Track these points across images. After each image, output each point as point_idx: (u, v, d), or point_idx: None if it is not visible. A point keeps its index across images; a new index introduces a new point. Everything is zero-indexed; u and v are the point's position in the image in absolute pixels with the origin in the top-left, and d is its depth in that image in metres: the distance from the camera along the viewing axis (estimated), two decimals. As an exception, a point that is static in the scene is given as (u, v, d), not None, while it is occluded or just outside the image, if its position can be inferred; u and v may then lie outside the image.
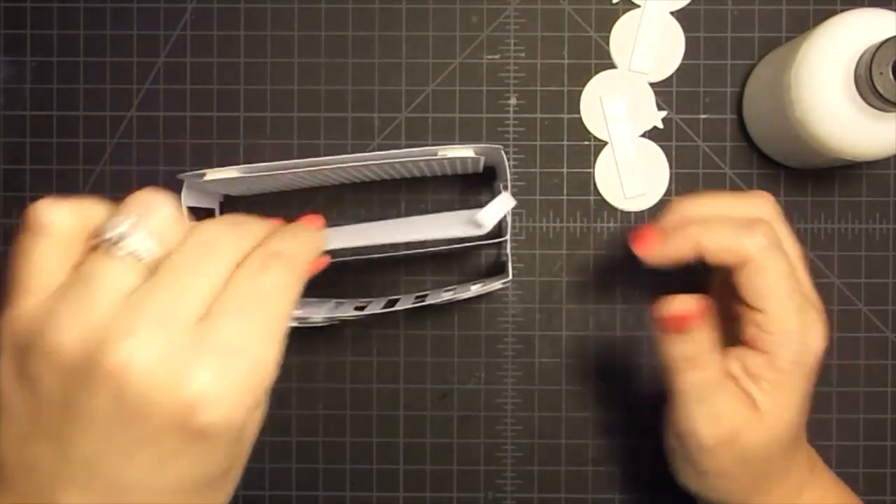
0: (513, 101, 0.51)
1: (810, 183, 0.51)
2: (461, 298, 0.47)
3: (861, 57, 0.41)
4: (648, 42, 0.51)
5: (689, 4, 0.51)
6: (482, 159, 0.47)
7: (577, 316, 0.51)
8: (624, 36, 0.51)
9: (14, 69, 0.52)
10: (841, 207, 0.51)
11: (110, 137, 0.52)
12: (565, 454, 0.51)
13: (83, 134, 0.52)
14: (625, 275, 0.51)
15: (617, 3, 0.51)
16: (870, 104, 0.41)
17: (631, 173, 0.51)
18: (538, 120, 0.51)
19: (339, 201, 0.51)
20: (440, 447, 0.51)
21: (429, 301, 0.47)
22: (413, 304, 0.47)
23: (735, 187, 0.51)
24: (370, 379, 0.51)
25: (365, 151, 0.47)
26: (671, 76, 0.51)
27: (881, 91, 0.40)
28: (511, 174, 0.51)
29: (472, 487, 0.51)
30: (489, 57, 0.51)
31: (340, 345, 0.51)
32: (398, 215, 0.51)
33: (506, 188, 0.45)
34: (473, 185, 0.51)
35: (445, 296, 0.47)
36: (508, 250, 0.47)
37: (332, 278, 0.51)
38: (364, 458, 0.51)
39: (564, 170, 0.51)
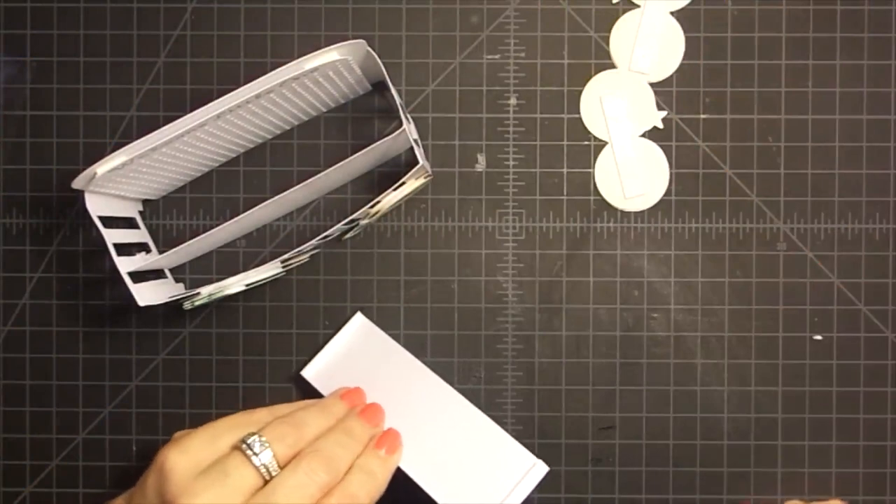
0: (513, 101, 0.51)
1: (810, 183, 0.51)
2: (392, 204, 0.48)
3: None
4: (648, 42, 0.51)
5: (689, 4, 0.51)
6: (362, 74, 0.48)
7: (577, 316, 0.51)
8: (624, 36, 0.51)
9: (14, 69, 0.52)
10: (841, 207, 0.51)
11: (110, 137, 0.52)
12: (565, 454, 0.51)
13: (83, 134, 0.52)
14: (625, 275, 0.51)
15: (617, 3, 0.51)
16: None
17: (631, 173, 0.51)
18: (538, 120, 0.51)
19: (261, 174, 0.51)
20: (440, 447, 0.51)
21: (360, 220, 0.48)
22: (347, 226, 0.48)
23: (735, 187, 0.51)
24: (370, 379, 0.51)
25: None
26: (671, 76, 0.51)
27: None
28: (512, 174, 0.51)
29: (472, 487, 0.51)
30: (489, 57, 0.51)
31: (340, 345, 0.51)
32: (320, 165, 0.51)
33: (398, 95, 0.46)
34: (370, 108, 0.52)
35: (373, 211, 0.48)
36: (411, 137, 0.47)
37: (262, 236, 0.51)
38: (364, 458, 0.51)
39: (564, 170, 0.51)
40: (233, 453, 0.42)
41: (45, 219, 0.52)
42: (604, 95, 0.51)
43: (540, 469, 0.47)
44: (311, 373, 0.50)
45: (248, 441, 0.42)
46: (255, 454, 0.41)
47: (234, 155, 0.51)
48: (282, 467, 0.42)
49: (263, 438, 0.42)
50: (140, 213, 0.51)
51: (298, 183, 0.47)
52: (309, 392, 0.50)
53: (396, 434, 0.48)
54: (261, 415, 0.45)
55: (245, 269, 0.49)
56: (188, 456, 0.42)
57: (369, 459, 0.45)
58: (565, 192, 0.51)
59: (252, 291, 0.49)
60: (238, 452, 0.42)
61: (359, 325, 0.50)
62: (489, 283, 0.51)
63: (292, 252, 0.48)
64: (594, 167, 0.51)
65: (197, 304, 0.46)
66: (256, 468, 0.41)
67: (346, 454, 0.44)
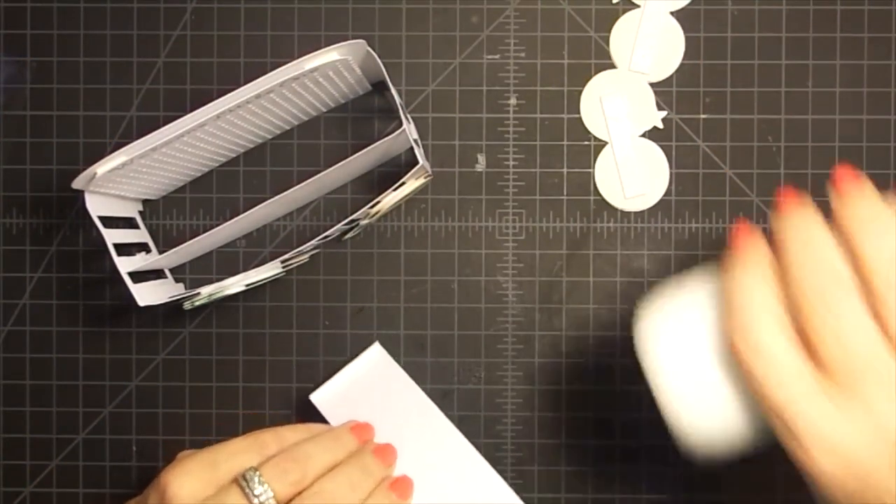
0: (513, 101, 0.51)
1: (810, 183, 0.51)
2: (392, 204, 0.48)
3: None
4: (648, 42, 0.51)
5: (689, 4, 0.51)
6: (362, 74, 0.48)
7: (577, 316, 0.51)
8: (624, 36, 0.51)
9: (14, 69, 0.52)
10: (841, 207, 0.51)
11: (110, 137, 0.52)
12: (565, 454, 0.51)
13: (83, 134, 0.52)
14: (625, 275, 0.51)
15: (617, 3, 0.51)
16: None
17: (631, 173, 0.51)
18: (538, 120, 0.51)
19: (261, 174, 0.51)
20: (440, 447, 0.51)
21: (360, 220, 0.48)
22: (347, 226, 0.48)
23: (735, 187, 0.51)
24: (370, 379, 0.51)
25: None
26: (671, 76, 0.51)
27: None
28: (512, 174, 0.51)
29: (472, 487, 0.51)
30: (489, 57, 0.51)
31: (341, 345, 0.51)
32: (320, 165, 0.51)
33: (399, 95, 0.46)
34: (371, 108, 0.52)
35: (373, 211, 0.48)
36: (411, 137, 0.47)
37: (262, 236, 0.51)
38: (364, 458, 0.51)
39: (564, 170, 0.51)
40: (231, 489, 0.41)
41: (45, 219, 0.52)
42: (604, 95, 0.51)
43: None
44: (321, 398, 0.49)
45: (248, 477, 0.41)
46: (253, 494, 0.40)
47: (234, 155, 0.51)
48: None
49: (263, 477, 0.41)
50: (140, 213, 0.51)
51: (298, 183, 0.47)
52: (310, 389, 0.50)
53: (410, 482, 0.46)
54: (266, 438, 0.43)
55: (245, 269, 0.49)
56: (190, 481, 0.41)
57: (381, 500, 0.44)
58: (565, 192, 0.51)
59: (252, 291, 0.49)
60: (236, 489, 0.40)
61: (376, 357, 0.49)
62: (489, 283, 0.51)
63: (292, 252, 0.48)
64: (594, 167, 0.51)
65: (197, 304, 0.46)
66: None
67: (354, 496, 0.42)
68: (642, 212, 0.51)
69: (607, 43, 0.51)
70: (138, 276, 0.46)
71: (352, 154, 0.47)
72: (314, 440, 0.44)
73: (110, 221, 0.47)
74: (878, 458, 0.30)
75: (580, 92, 0.51)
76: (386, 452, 0.46)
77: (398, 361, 0.51)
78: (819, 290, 0.31)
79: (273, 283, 0.50)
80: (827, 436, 0.31)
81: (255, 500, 0.40)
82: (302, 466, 0.42)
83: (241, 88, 0.44)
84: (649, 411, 0.51)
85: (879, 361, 0.30)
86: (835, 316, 0.31)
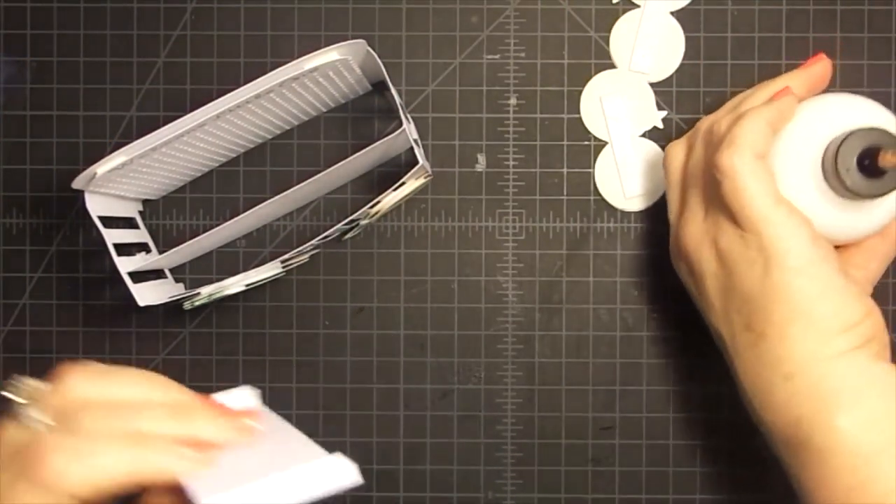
0: (513, 101, 0.51)
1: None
2: (392, 204, 0.48)
3: (826, 151, 0.41)
4: (648, 42, 0.51)
5: (689, 4, 0.51)
6: (362, 74, 0.48)
7: (577, 316, 0.51)
8: (624, 36, 0.51)
9: (14, 69, 0.52)
10: (841, 207, 0.51)
11: (110, 137, 0.52)
12: (565, 454, 0.51)
13: (83, 134, 0.52)
14: (625, 275, 0.51)
15: (617, 3, 0.51)
16: (840, 196, 0.42)
17: (631, 173, 0.51)
18: (538, 120, 0.51)
19: (261, 174, 0.51)
20: (440, 447, 0.51)
21: (360, 220, 0.48)
22: (347, 226, 0.48)
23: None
24: (370, 379, 0.51)
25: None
26: (671, 76, 0.51)
27: (849, 186, 0.40)
28: (512, 174, 0.51)
29: (472, 488, 0.51)
30: (489, 57, 0.51)
31: (340, 345, 0.51)
32: (320, 165, 0.51)
33: (399, 96, 0.46)
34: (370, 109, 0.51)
35: (373, 211, 0.47)
36: (411, 137, 0.47)
37: (263, 235, 0.51)
38: (364, 458, 0.51)
39: (564, 170, 0.51)
40: None
41: (45, 219, 0.52)
42: (604, 95, 0.51)
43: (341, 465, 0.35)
44: None
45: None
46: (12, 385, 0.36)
47: (234, 155, 0.51)
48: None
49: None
50: (140, 213, 0.51)
51: (298, 183, 0.47)
52: (310, 388, 0.50)
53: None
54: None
55: (245, 269, 0.49)
56: None
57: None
58: (565, 192, 0.51)
59: (252, 291, 0.49)
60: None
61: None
62: (489, 283, 0.51)
63: (292, 252, 0.48)
64: (594, 167, 0.51)
65: (197, 304, 0.46)
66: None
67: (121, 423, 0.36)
68: (642, 212, 0.51)
69: (607, 43, 0.51)
70: (138, 276, 0.46)
71: (352, 154, 0.47)
72: (143, 374, 0.38)
73: (110, 221, 0.47)
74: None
75: (580, 92, 0.51)
76: (227, 410, 0.38)
77: (397, 360, 0.51)
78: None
79: (273, 283, 0.50)
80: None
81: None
82: (89, 379, 0.36)
83: (241, 88, 0.44)
84: (649, 411, 0.51)
85: (692, 179, 0.45)
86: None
